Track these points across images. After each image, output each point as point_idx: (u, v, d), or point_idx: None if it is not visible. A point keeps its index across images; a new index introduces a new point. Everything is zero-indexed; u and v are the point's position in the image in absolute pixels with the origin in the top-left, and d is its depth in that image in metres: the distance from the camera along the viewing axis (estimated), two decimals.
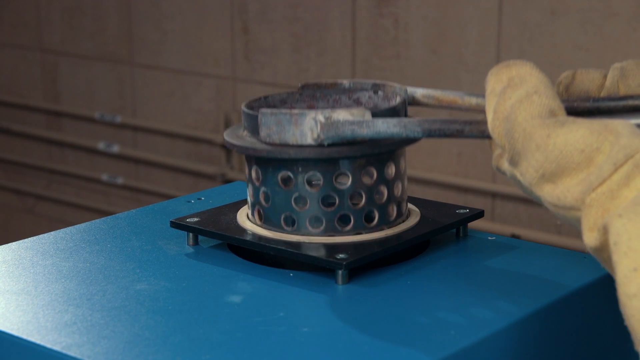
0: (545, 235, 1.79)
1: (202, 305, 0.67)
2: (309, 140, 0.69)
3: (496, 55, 1.87)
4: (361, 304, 0.67)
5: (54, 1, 2.53)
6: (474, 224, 0.81)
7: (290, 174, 0.72)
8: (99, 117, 2.50)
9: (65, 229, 0.82)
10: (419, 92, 0.76)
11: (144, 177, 2.49)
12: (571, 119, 0.59)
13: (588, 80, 0.74)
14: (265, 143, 0.71)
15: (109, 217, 0.85)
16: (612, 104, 0.70)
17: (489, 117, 0.63)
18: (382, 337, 0.62)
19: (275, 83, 2.19)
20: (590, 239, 0.57)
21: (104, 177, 2.54)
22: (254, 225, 0.75)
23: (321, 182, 0.72)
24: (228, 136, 0.74)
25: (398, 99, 0.75)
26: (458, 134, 0.65)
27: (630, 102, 0.70)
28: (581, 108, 0.71)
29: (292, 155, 0.70)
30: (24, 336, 0.63)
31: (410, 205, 0.79)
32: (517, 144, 0.60)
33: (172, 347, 0.61)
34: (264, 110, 0.70)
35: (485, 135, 0.64)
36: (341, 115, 0.68)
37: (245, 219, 0.77)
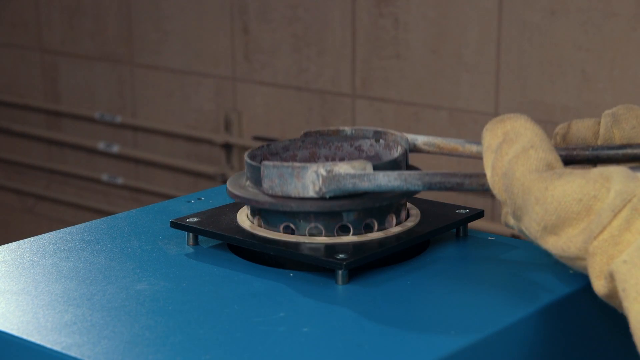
0: None
1: (202, 305, 0.67)
2: (311, 192, 0.70)
3: (496, 55, 1.87)
4: (361, 304, 0.67)
5: (54, 1, 2.53)
6: (474, 224, 0.81)
7: (292, 225, 0.73)
8: (99, 117, 2.50)
9: (65, 229, 0.82)
10: (419, 140, 0.77)
11: (144, 177, 2.49)
12: (568, 170, 0.60)
13: (584, 128, 0.75)
14: (268, 195, 0.71)
15: (109, 217, 0.85)
16: (612, 152, 0.71)
17: (488, 173, 0.63)
18: (382, 337, 0.62)
19: (275, 83, 2.19)
20: (598, 287, 0.58)
21: (104, 177, 2.54)
22: (254, 226, 0.75)
23: (323, 234, 0.72)
24: (231, 185, 0.75)
25: (399, 149, 0.76)
26: (458, 187, 0.66)
27: (630, 151, 0.71)
28: (581, 157, 0.72)
29: (294, 208, 0.71)
30: (24, 336, 0.63)
31: (410, 205, 0.79)
32: (517, 199, 0.61)
33: (172, 347, 0.61)
34: (266, 163, 0.71)
35: (485, 189, 0.65)
36: (342, 168, 0.69)
37: (245, 219, 0.77)
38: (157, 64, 2.38)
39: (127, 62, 2.44)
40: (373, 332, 0.63)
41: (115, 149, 2.48)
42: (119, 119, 2.46)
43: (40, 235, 0.81)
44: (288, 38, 2.15)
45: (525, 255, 0.76)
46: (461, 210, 0.79)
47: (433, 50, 1.95)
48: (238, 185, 0.75)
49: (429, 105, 1.99)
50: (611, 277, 0.57)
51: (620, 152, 0.71)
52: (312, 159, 0.80)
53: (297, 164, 0.70)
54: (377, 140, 0.79)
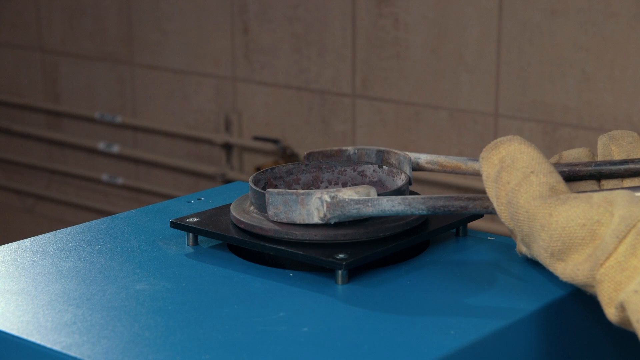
0: None
1: (202, 305, 0.67)
2: (316, 219, 0.70)
3: (496, 56, 1.87)
4: (361, 304, 0.67)
5: (54, 1, 2.53)
6: (474, 224, 0.81)
7: None
8: (99, 117, 2.50)
9: (65, 229, 0.82)
10: (422, 159, 0.77)
11: (144, 177, 2.49)
12: (573, 195, 0.60)
13: (576, 153, 0.75)
14: (273, 222, 0.72)
15: (109, 217, 0.85)
16: (614, 167, 0.71)
17: (494, 203, 0.63)
18: (381, 337, 0.62)
19: (276, 83, 2.19)
20: (610, 315, 0.58)
21: (104, 177, 2.54)
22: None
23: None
24: (234, 210, 0.76)
25: (403, 177, 0.76)
26: (462, 210, 0.67)
27: (632, 166, 0.71)
28: (583, 172, 0.72)
29: (298, 237, 0.71)
30: (24, 336, 0.63)
31: None
32: (524, 227, 0.61)
33: (172, 347, 0.61)
34: (271, 190, 0.72)
35: (489, 212, 0.65)
36: (346, 194, 0.70)
37: None
38: (157, 64, 2.38)
39: (127, 62, 2.44)
40: (373, 332, 0.63)
41: (115, 149, 2.48)
42: (119, 119, 2.46)
43: (40, 235, 0.81)
44: (288, 38, 2.15)
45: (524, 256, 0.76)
46: None
47: (433, 50, 1.95)
48: (242, 210, 0.76)
49: (429, 105, 1.99)
50: (622, 307, 0.56)
51: (623, 167, 0.71)
52: (315, 183, 0.80)
53: (301, 191, 0.70)
54: (380, 166, 0.80)
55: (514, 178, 0.62)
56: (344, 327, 0.64)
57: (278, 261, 0.75)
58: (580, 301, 0.70)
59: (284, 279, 0.71)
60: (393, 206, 0.68)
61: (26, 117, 2.67)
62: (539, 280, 0.71)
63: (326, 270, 0.72)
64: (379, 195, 0.71)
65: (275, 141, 2.21)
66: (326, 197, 0.70)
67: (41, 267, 0.74)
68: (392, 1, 1.98)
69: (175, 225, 0.78)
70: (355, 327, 0.64)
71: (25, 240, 0.80)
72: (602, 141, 0.75)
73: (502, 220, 0.63)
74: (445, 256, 0.76)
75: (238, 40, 2.23)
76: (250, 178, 0.77)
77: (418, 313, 0.66)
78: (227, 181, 2.28)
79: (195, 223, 0.77)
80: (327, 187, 0.81)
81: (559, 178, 0.62)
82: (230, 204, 0.81)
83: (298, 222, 0.71)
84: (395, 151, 0.78)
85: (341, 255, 0.70)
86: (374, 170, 0.80)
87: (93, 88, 2.52)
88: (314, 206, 0.70)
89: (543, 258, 0.61)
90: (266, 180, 0.79)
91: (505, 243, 0.78)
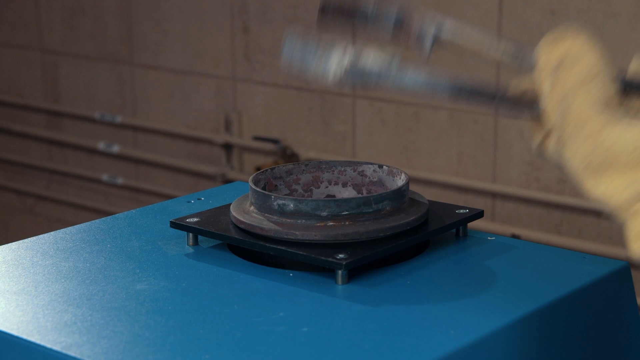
0: (545, 235, 1.79)
1: (202, 305, 0.67)
2: (330, 79, 0.65)
3: None
4: (361, 304, 0.67)
5: (54, 1, 2.53)
6: (474, 224, 0.81)
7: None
8: (99, 117, 2.50)
9: (65, 229, 0.82)
10: (443, 34, 0.72)
11: (144, 177, 2.49)
12: (628, 119, 0.59)
13: None
14: (272, 222, 0.73)
15: (109, 217, 0.85)
16: None
17: (544, 94, 0.62)
18: (381, 336, 0.62)
19: (276, 83, 2.19)
20: (635, 249, 0.57)
21: (104, 177, 2.54)
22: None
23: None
24: (234, 210, 0.75)
25: (403, 177, 0.76)
26: (486, 104, 0.64)
27: None
28: None
29: (298, 237, 0.72)
30: (24, 336, 0.63)
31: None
32: (569, 129, 0.59)
33: (172, 347, 0.61)
34: (290, 34, 0.66)
35: (517, 106, 0.63)
36: (370, 58, 0.65)
37: None
38: (157, 64, 2.38)
39: (127, 62, 2.44)
40: (373, 332, 0.63)
41: (115, 149, 2.48)
42: (119, 119, 2.46)
43: (40, 235, 0.81)
44: None
45: (525, 255, 0.76)
46: (461, 210, 0.79)
47: (433, 50, 1.95)
48: (242, 210, 0.76)
49: (429, 105, 1.99)
50: None
51: None
52: (315, 183, 0.80)
53: (322, 46, 0.65)
54: (380, 166, 0.80)
55: (572, 80, 0.60)
56: (344, 327, 0.64)
57: (278, 261, 0.75)
58: (579, 301, 0.70)
59: (284, 279, 0.71)
60: (415, 85, 0.64)
61: (26, 117, 2.67)
62: (539, 280, 0.71)
63: (326, 270, 0.72)
64: (381, 194, 0.71)
65: (275, 141, 2.21)
66: (347, 62, 0.64)
67: (41, 267, 0.74)
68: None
69: (175, 225, 0.78)
70: (355, 327, 0.64)
71: (25, 240, 0.80)
72: (637, 60, 0.72)
73: (547, 114, 0.62)
74: (445, 256, 0.76)
75: (238, 40, 2.23)
76: (250, 178, 0.77)
77: (418, 313, 0.66)
78: (227, 181, 2.28)
79: (195, 223, 0.77)
80: (329, 184, 0.81)
81: (615, 91, 0.61)
82: (230, 204, 0.81)
83: (311, 74, 0.66)
84: (418, 18, 0.70)
85: (341, 255, 0.70)
86: (374, 170, 0.80)
87: (93, 88, 2.52)
88: (332, 67, 0.65)
89: (575, 166, 0.59)
90: (266, 180, 0.79)
91: (505, 243, 0.78)
